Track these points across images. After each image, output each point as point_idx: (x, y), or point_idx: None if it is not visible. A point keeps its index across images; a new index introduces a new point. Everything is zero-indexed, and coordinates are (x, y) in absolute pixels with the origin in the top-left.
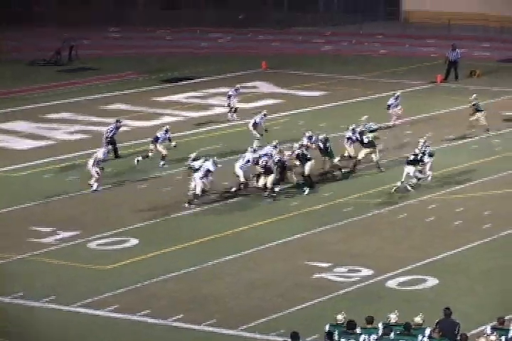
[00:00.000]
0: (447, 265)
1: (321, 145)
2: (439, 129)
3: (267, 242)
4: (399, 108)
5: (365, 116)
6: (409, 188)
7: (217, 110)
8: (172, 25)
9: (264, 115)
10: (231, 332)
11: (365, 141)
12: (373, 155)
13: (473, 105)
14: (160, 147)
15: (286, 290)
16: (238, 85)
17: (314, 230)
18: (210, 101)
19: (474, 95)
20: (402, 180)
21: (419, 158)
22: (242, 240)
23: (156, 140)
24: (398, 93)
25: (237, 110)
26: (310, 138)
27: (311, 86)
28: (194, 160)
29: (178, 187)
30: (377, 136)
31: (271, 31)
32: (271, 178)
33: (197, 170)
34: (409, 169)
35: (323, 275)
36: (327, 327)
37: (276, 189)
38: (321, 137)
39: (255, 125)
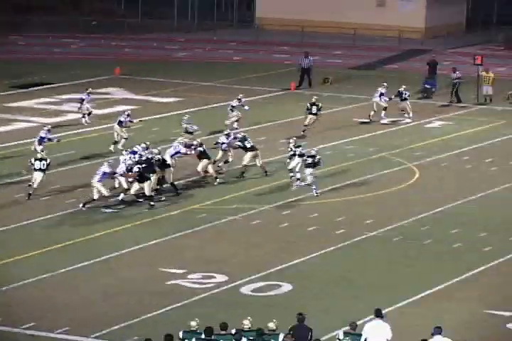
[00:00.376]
0: (301, 271)
1: (240, 144)
2: (292, 135)
3: (122, 248)
4: (238, 112)
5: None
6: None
7: (70, 116)
8: (24, 31)
9: (128, 115)
10: (84, 339)
11: (248, 145)
12: (257, 159)
13: (312, 105)
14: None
15: (141, 297)
16: (90, 89)
17: (169, 236)
18: (63, 107)
19: (314, 97)
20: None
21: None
22: (97, 246)
23: (40, 140)
24: (240, 96)
25: (90, 114)
26: (228, 135)
27: (165, 92)
28: None
29: (35, 192)
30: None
31: (124, 37)
32: (148, 186)
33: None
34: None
35: (178, 281)
36: (181, 334)
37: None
38: (239, 136)
39: (120, 124)
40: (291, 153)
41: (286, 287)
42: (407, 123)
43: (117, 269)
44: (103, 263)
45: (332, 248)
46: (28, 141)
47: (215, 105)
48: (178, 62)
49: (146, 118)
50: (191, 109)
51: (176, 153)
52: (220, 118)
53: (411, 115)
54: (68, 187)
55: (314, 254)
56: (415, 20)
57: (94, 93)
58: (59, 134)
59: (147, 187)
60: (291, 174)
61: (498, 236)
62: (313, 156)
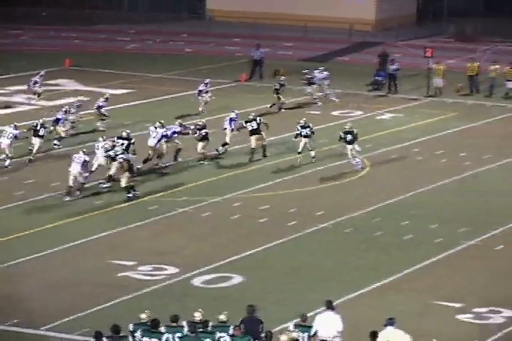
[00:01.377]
0: (252, 262)
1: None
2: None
3: (72, 241)
4: (209, 95)
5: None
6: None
7: (21, 108)
8: None
9: (106, 99)
10: (34, 331)
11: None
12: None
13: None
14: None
15: (91, 290)
16: (42, 71)
17: (119, 228)
18: (13, 98)
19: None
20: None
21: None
22: (47, 238)
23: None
24: (207, 80)
25: (40, 95)
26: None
27: (116, 84)
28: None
29: None
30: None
31: (74, 28)
32: (125, 177)
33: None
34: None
35: (128, 273)
36: (131, 327)
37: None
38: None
39: (99, 108)
40: (297, 132)
41: (238, 279)
42: (357, 115)
43: (68, 261)
44: (53, 255)
45: (284, 239)
46: None
47: (166, 97)
48: (129, 53)
49: (93, 110)
50: (141, 101)
51: (174, 133)
52: (170, 110)
53: None
54: (17, 179)
55: (266, 246)
56: (366, 12)
57: (44, 84)
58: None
59: (125, 178)
60: (299, 156)
61: (449, 228)
62: (351, 132)
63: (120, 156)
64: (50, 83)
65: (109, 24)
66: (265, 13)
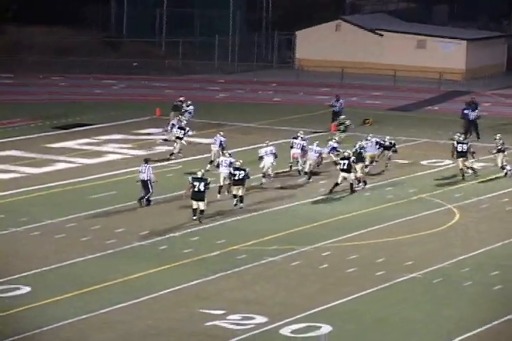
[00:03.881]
0: (341, 312)
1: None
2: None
3: (161, 290)
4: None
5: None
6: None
7: (110, 157)
8: (65, 72)
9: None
10: None
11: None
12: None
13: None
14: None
15: (180, 338)
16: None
17: (208, 277)
18: (104, 148)
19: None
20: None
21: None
22: (136, 287)
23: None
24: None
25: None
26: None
27: (207, 133)
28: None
29: (71, 234)
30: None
31: (165, 78)
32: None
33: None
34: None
35: (217, 322)
36: None
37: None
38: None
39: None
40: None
41: (326, 328)
42: (447, 164)
43: (156, 310)
44: (142, 304)
45: (372, 289)
46: (68, 181)
47: (254, 146)
48: (219, 103)
49: (185, 159)
50: (232, 150)
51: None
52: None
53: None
54: (108, 228)
55: (354, 296)
56: (456, 61)
57: (135, 134)
58: (99, 175)
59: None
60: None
61: None
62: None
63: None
64: (141, 132)
65: (201, 74)
66: (354, 62)
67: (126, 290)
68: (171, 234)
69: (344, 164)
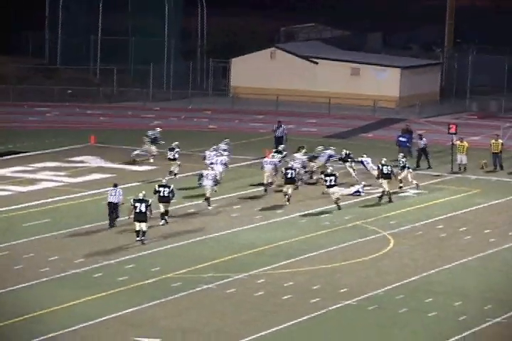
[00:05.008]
0: (277, 339)
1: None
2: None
3: (95, 318)
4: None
5: None
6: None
7: (44, 184)
8: None
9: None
10: None
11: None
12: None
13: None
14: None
15: None
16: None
17: (143, 305)
18: (38, 175)
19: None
20: None
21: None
22: (70, 316)
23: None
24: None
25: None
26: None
27: (140, 161)
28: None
29: (3, 262)
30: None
31: (99, 106)
32: None
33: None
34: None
35: None
36: None
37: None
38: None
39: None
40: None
41: None
42: (382, 192)
43: (91, 338)
44: (74, 333)
45: (307, 316)
46: (1, 209)
47: (190, 173)
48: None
49: (121, 186)
50: (166, 178)
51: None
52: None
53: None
54: (42, 256)
55: (290, 323)
56: (390, 89)
57: (69, 161)
58: (32, 203)
59: None
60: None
61: (473, 305)
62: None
63: None
64: (75, 160)
65: (135, 101)
66: (288, 90)
67: (59, 319)
68: (106, 262)
69: (331, 180)
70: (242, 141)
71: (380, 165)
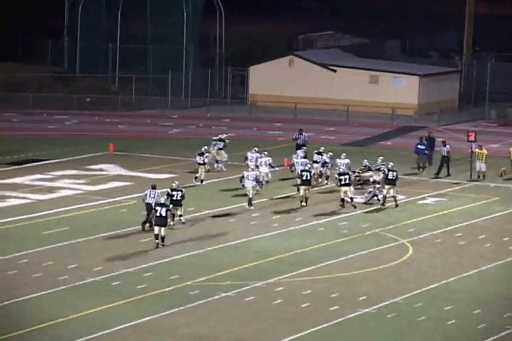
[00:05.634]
0: None
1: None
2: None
3: (115, 326)
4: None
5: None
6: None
7: (63, 193)
8: (17, 107)
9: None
10: None
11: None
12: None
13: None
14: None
15: None
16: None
17: (162, 313)
18: (56, 183)
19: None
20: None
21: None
22: (89, 324)
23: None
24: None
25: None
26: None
27: (159, 169)
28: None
29: (23, 270)
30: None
31: (118, 114)
32: None
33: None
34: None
35: None
36: None
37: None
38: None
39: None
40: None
41: None
42: (400, 199)
43: None
44: None
45: (326, 325)
46: (20, 217)
47: (208, 181)
48: (172, 138)
49: (139, 194)
50: (183, 185)
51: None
52: (211, 193)
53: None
54: (61, 264)
55: (308, 331)
56: (408, 97)
57: (88, 169)
58: (51, 211)
59: None
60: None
61: (493, 313)
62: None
63: None
64: (94, 168)
65: (153, 109)
66: (307, 98)
67: (79, 327)
68: (125, 270)
69: (345, 179)
70: (261, 148)
71: (385, 170)
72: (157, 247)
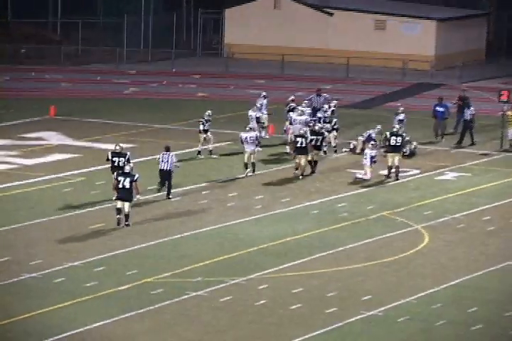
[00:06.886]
0: None
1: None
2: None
3: (56, 334)
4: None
5: None
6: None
7: None
8: None
9: (264, 97)
10: None
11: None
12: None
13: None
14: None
15: None
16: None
17: (116, 317)
18: None
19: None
20: None
21: None
22: (24, 332)
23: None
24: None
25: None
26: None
27: (111, 137)
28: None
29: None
30: None
31: (60, 68)
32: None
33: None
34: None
35: None
36: None
37: None
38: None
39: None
40: None
41: None
42: (412, 175)
43: None
44: None
45: (321, 331)
46: None
47: (176, 152)
48: (128, 99)
49: (88, 169)
50: (143, 158)
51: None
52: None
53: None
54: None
55: (300, 339)
56: (423, 47)
57: (22, 138)
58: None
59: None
60: None
61: None
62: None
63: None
64: (31, 136)
65: (105, 63)
66: (295, 48)
67: (9, 336)
68: (70, 264)
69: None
70: (239, 112)
71: (387, 134)
72: (119, 224)
